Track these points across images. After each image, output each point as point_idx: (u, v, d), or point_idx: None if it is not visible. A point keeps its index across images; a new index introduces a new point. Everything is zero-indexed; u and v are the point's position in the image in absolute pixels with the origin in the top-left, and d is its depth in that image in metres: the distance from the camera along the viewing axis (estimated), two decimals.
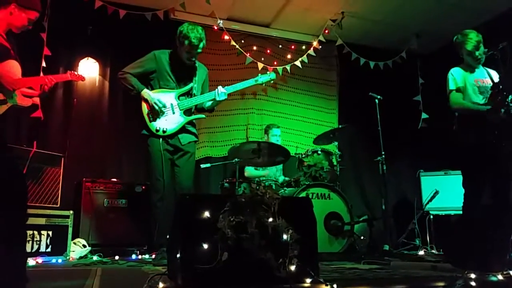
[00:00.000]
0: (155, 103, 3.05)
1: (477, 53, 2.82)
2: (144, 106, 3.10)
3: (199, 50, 3.11)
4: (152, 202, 3.11)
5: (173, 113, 3.12)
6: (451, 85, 2.89)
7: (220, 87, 3.21)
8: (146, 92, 3.09)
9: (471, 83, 2.86)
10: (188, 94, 3.21)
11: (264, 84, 3.66)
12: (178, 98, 3.16)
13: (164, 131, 3.08)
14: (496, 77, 2.83)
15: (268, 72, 3.53)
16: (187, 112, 3.19)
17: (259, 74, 3.44)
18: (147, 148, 3.12)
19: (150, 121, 3.08)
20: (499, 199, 2.57)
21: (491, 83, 2.76)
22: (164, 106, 3.08)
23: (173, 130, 3.11)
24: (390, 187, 4.70)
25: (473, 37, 2.83)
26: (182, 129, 3.16)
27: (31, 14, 2.38)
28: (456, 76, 2.89)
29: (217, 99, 3.21)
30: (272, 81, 3.64)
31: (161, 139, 3.07)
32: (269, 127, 4.75)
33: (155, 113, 3.08)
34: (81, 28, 4.45)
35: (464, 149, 2.76)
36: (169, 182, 3.13)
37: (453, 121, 2.91)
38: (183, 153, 3.18)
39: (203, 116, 3.33)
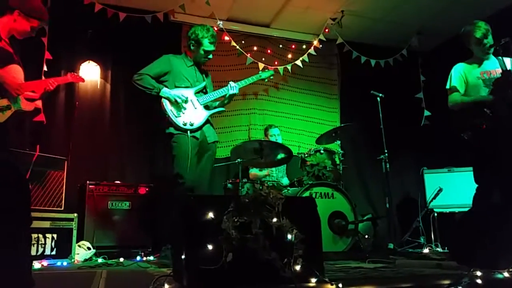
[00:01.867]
0: (178, 97, 3.13)
1: (485, 41, 2.78)
2: (166, 104, 3.14)
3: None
4: (172, 201, 3.15)
5: (195, 108, 3.22)
6: (447, 84, 2.90)
7: (231, 82, 3.34)
8: (165, 90, 3.16)
9: (476, 76, 2.81)
10: (202, 91, 3.34)
11: (266, 80, 3.77)
12: (195, 94, 3.27)
13: (191, 124, 3.15)
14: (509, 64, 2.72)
15: (267, 70, 3.62)
16: (206, 107, 3.30)
17: (260, 71, 3.57)
18: (172, 146, 3.15)
19: (176, 117, 3.13)
20: (509, 193, 2.53)
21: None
22: (186, 101, 3.17)
23: (200, 123, 3.21)
24: (393, 185, 4.68)
25: (481, 25, 2.81)
26: (207, 122, 3.27)
27: (34, 23, 2.43)
28: (453, 73, 2.87)
29: (230, 92, 3.31)
30: (272, 78, 3.79)
31: (188, 132, 3.12)
32: (267, 128, 4.78)
33: (178, 108, 3.15)
34: (81, 32, 4.46)
35: (475, 144, 2.70)
36: (193, 179, 3.15)
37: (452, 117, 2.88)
38: (208, 153, 3.29)
39: (223, 109, 3.41)
